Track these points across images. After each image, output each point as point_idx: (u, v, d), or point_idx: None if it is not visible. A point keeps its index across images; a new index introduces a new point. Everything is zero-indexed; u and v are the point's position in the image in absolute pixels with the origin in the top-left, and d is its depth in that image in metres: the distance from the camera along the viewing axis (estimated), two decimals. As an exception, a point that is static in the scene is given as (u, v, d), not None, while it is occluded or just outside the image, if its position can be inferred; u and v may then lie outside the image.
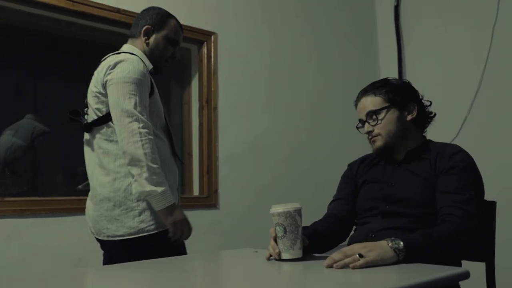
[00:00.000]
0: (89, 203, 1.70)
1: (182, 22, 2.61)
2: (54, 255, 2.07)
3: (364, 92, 1.53)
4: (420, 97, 1.54)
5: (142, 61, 1.65)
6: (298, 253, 1.26)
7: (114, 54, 1.67)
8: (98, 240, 1.67)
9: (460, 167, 1.38)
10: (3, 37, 2.26)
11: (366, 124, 1.51)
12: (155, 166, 1.51)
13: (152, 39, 1.72)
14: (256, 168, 2.83)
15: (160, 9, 1.78)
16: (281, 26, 3.04)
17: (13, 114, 2.32)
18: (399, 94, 1.49)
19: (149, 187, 1.50)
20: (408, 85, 1.55)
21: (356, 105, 1.56)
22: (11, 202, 2.03)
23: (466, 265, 1.32)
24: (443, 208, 1.33)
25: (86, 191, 1.74)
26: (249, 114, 2.84)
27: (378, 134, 1.48)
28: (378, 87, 1.51)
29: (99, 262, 2.14)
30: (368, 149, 1.63)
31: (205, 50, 2.69)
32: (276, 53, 3.00)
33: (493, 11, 2.88)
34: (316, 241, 1.39)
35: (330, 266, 1.12)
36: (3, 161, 2.24)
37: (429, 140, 1.54)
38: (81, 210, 2.17)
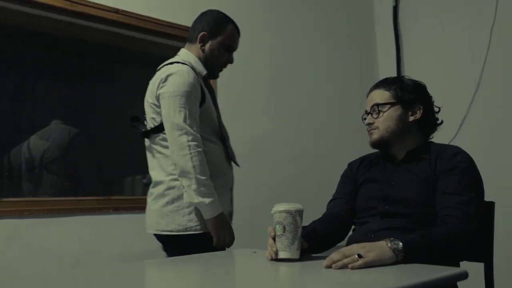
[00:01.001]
0: (148, 199, 1.81)
1: (181, 22, 2.64)
2: (54, 256, 2.07)
3: (376, 85, 1.56)
4: (432, 101, 1.54)
5: (194, 69, 1.71)
6: (295, 254, 1.26)
7: (168, 63, 1.74)
8: (154, 234, 1.77)
9: (460, 168, 1.37)
10: (2, 37, 2.26)
11: (369, 116, 1.53)
12: (203, 178, 1.60)
13: (207, 46, 1.76)
14: (256, 169, 2.83)
15: (218, 13, 1.80)
16: (282, 26, 3.04)
17: (13, 114, 2.32)
18: (408, 93, 1.50)
19: (197, 199, 1.60)
20: (420, 87, 1.54)
21: (367, 96, 1.58)
22: (10, 202, 2.03)
23: (465, 265, 1.32)
24: (442, 209, 1.33)
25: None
26: (250, 115, 2.84)
27: (376, 128, 1.50)
28: (389, 82, 1.53)
29: (98, 262, 2.15)
30: (368, 149, 1.63)
31: (204, 50, 2.69)
32: (277, 53, 3.01)
33: (491, 11, 2.88)
34: (315, 240, 1.39)
35: (329, 267, 1.13)
36: (39, 163, 2.31)
37: (430, 141, 1.54)
38: (80, 211, 2.18)
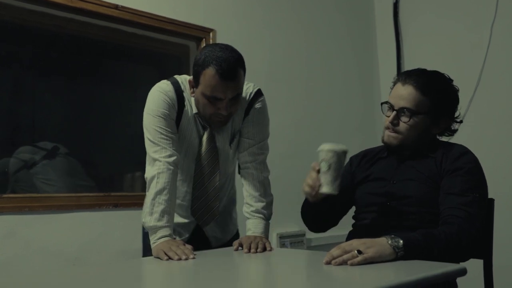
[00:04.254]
0: None
1: (180, 18, 2.63)
2: (53, 252, 2.07)
3: (415, 80, 1.41)
4: (457, 112, 1.48)
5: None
6: (335, 190, 1.33)
7: None
8: None
9: (466, 169, 1.36)
10: (0, 34, 2.25)
11: (394, 113, 1.43)
12: None
13: (195, 94, 1.48)
14: (255, 165, 2.82)
15: (200, 53, 1.44)
16: (280, 22, 3.03)
17: (12, 113, 2.31)
18: (442, 105, 1.42)
19: None
20: (455, 96, 1.46)
21: (396, 82, 1.46)
22: (10, 198, 2.03)
23: (463, 262, 1.32)
24: (446, 209, 1.32)
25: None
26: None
27: (399, 132, 1.43)
28: (430, 85, 1.40)
29: (98, 259, 2.15)
30: (367, 145, 1.62)
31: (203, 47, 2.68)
32: (275, 49, 3.00)
33: (492, 7, 2.88)
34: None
35: (328, 263, 1.13)
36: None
37: (436, 139, 1.53)
38: (80, 207, 2.18)
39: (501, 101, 2.83)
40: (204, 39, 2.68)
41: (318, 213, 1.53)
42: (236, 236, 1.75)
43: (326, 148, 1.34)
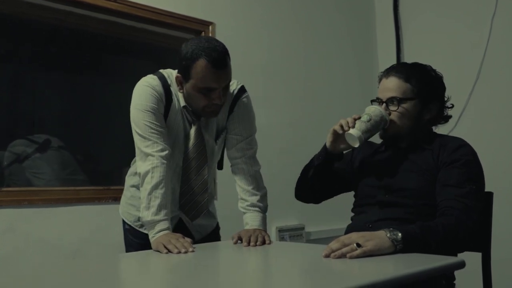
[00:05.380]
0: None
1: (179, 11, 2.62)
2: (53, 246, 2.07)
3: (396, 71, 1.47)
4: (446, 98, 1.51)
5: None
6: (361, 139, 1.39)
7: None
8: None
9: (463, 161, 1.37)
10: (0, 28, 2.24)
11: (384, 105, 1.47)
12: None
13: (184, 89, 1.48)
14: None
15: (186, 47, 1.43)
16: (280, 17, 3.02)
17: (11, 108, 2.31)
18: (428, 88, 1.45)
19: None
20: (440, 81, 1.50)
21: (380, 78, 1.51)
22: (9, 192, 2.03)
23: (462, 254, 1.33)
24: (443, 201, 1.33)
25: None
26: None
27: (393, 122, 1.46)
28: (411, 73, 1.46)
29: (98, 252, 2.15)
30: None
31: (203, 40, 2.67)
32: (274, 43, 2.99)
33: (492, 2, 2.87)
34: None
35: (327, 256, 1.13)
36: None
37: (434, 132, 1.53)
38: (79, 200, 2.18)
39: (500, 95, 2.83)
40: (203, 32, 2.68)
41: (316, 172, 1.55)
42: (217, 228, 1.75)
43: (374, 106, 1.44)
